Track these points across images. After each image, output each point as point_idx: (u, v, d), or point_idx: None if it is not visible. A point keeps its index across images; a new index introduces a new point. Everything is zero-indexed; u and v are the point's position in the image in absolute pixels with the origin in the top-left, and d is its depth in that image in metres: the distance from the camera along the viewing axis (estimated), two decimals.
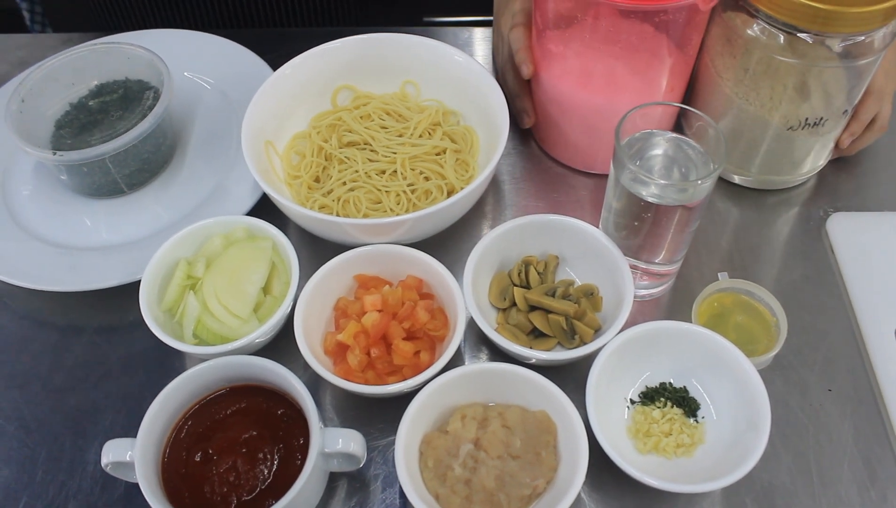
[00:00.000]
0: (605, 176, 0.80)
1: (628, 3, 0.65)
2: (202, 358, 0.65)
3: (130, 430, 0.62)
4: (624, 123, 0.64)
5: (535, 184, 0.84)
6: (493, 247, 0.71)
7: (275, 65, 0.85)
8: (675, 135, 0.67)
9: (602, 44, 0.71)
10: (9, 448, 0.67)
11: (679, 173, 0.66)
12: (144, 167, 0.81)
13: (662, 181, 0.64)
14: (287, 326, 0.68)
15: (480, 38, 0.99)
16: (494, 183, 0.84)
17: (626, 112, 0.64)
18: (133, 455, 0.58)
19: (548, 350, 0.68)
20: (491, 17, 0.92)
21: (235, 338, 0.66)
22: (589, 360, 0.64)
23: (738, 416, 0.63)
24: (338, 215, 0.76)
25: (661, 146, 0.67)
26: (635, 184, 0.64)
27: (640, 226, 0.67)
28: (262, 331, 0.66)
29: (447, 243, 0.77)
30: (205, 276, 0.70)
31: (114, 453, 0.59)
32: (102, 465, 0.59)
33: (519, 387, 0.63)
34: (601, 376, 0.63)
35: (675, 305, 0.74)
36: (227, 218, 0.73)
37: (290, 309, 0.68)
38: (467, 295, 0.67)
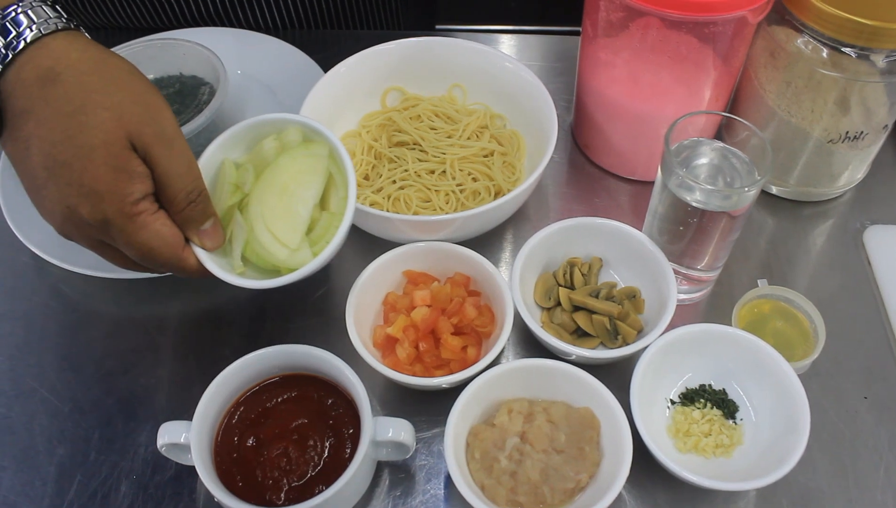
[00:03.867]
0: (647, 183, 0.81)
1: (680, 14, 0.67)
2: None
3: (180, 415, 0.63)
4: (673, 129, 0.65)
5: (577, 189, 0.85)
6: (539, 247, 0.72)
7: (322, 65, 0.87)
8: (721, 144, 0.69)
9: (650, 53, 0.73)
10: (63, 429, 0.69)
11: (724, 182, 0.68)
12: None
13: (709, 187, 0.66)
14: (336, 318, 0.69)
15: (524, 46, 1.01)
16: (538, 187, 0.85)
17: (676, 119, 0.66)
18: (188, 438, 0.60)
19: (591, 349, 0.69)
20: (508, 26, 0.89)
21: (285, 267, 0.62)
22: (629, 361, 0.66)
23: (777, 419, 0.64)
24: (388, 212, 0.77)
25: (707, 155, 0.69)
26: (682, 189, 0.66)
27: (684, 231, 0.68)
28: (317, 263, 0.61)
29: (491, 244, 0.79)
30: (252, 191, 0.63)
31: (169, 435, 0.61)
32: (158, 446, 0.61)
33: (564, 384, 0.65)
34: (645, 375, 0.64)
35: (713, 311, 0.75)
36: (280, 116, 0.65)
37: (345, 234, 0.62)
38: (515, 293, 0.68)
